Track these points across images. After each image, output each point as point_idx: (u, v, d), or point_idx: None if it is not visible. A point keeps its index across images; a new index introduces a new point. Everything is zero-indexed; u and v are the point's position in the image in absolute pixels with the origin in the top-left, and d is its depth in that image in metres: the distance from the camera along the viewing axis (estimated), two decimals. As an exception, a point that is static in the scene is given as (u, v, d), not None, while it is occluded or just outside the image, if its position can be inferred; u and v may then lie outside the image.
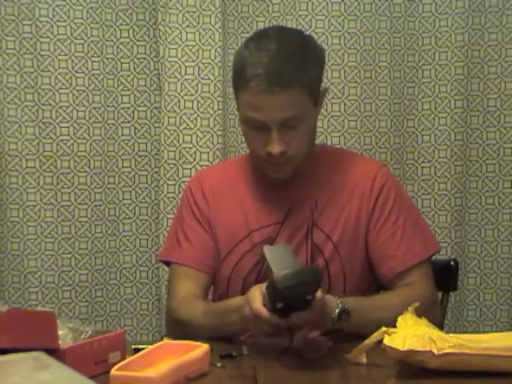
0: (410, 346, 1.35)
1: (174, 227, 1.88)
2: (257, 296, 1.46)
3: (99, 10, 2.48)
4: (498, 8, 2.51)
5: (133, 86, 2.53)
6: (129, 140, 2.54)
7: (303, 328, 1.54)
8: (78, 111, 2.48)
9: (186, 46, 2.46)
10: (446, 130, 2.53)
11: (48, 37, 2.44)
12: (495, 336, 1.43)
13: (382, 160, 2.49)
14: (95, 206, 2.52)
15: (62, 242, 2.50)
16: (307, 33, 1.93)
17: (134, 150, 2.55)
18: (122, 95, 2.52)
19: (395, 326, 1.41)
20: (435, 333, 1.39)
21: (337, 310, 1.53)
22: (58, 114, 2.47)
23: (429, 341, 1.35)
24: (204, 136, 2.48)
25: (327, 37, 2.49)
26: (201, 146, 2.48)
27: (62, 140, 2.48)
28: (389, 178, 1.82)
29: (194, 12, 2.46)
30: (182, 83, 2.46)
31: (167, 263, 1.89)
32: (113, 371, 1.30)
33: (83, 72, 2.48)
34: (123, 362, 1.35)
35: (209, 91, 2.47)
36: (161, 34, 2.46)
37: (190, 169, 2.47)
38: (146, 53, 2.53)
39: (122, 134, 2.54)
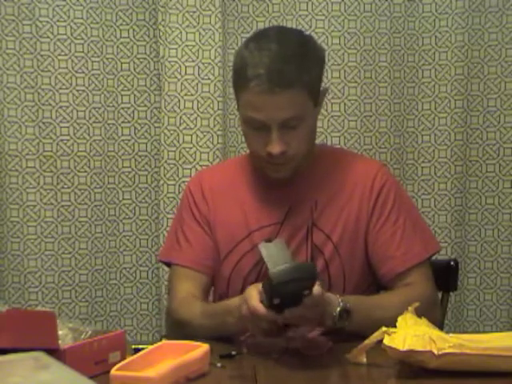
0: (410, 346, 1.35)
1: (174, 227, 1.88)
2: (254, 294, 1.46)
3: (99, 10, 2.48)
4: (498, 8, 2.51)
5: (133, 86, 2.53)
6: (129, 140, 2.54)
7: (300, 325, 1.54)
8: (77, 111, 2.48)
9: (186, 45, 2.46)
10: (446, 130, 2.53)
11: (48, 37, 2.44)
12: (495, 336, 1.43)
13: (382, 160, 2.49)
14: (95, 206, 2.52)
15: (62, 241, 2.50)
16: (307, 33, 1.93)
17: (133, 150, 2.55)
18: (121, 95, 2.53)
19: (395, 326, 1.42)
20: (435, 333, 1.39)
21: (338, 309, 1.53)
22: (58, 114, 2.47)
23: (429, 341, 1.35)
24: (204, 136, 2.48)
25: (327, 37, 2.49)
26: (201, 146, 2.48)
27: (61, 140, 2.48)
28: (389, 178, 1.82)
29: (194, 12, 2.46)
30: (181, 83, 2.46)
31: (167, 264, 1.89)
32: (113, 371, 1.30)
33: (83, 72, 2.48)
34: (123, 362, 1.35)
35: (209, 91, 2.47)
36: (161, 33, 2.46)
37: (190, 169, 2.47)
38: (145, 53, 2.53)
39: (122, 134, 2.54)
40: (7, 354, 1.21)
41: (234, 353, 1.52)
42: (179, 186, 2.46)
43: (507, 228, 2.57)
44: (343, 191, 1.78)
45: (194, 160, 2.48)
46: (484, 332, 2.48)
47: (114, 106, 2.52)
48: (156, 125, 2.53)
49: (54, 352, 1.31)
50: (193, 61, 2.47)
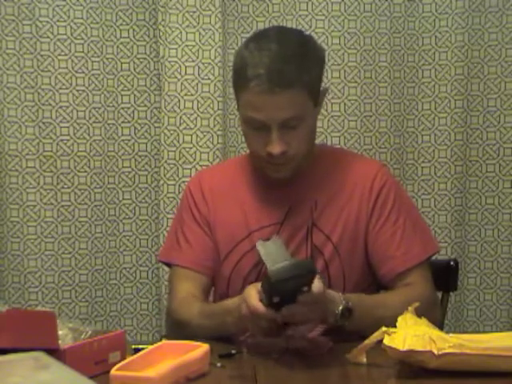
0: (410, 346, 1.35)
1: (174, 228, 1.88)
2: (253, 294, 1.47)
3: (99, 10, 2.48)
4: (497, 8, 2.51)
5: (133, 86, 2.53)
6: (129, 140, 2.54)
7: (300, 324, 1.53)
8: (77, 111, 2.48)
9: (186, 45, 2.46)
10: (446, 130, 2.53)
11: (48, 37, 2.44)
12: (495, 336, 1.43)
13: (382, 160, 2.49)
14: (95, 205, 2.52)
15: (62, 241, 2.50)
16: (307, 33, 1.93)
17: (133, 150, 2.55)
18: (121, 95, 2.53)
19: (395, 326, 1.42)
20: (435, 333, 1.39)
21: (340, 307, 1.53)
22: (58, 113, 2.47)
23: (429, 341, 1.35)
24: (204, 136, 2.48)
25: (327, 37, 2.49)
26: (201, 146, 2.48)
27: (61, 140, 2.48)
28: (389, 178, 1.82)
29: (194, 12, 2.46)
30: (181, 83, 2.46)
31: (167, 264, 1.89)
32: (113, 371, 1.30)
33: (83, 72, 2.48)
34: (123, 362, 1.35)
35: (209, 91, 2.47)
36: (161, 33, 2.46)
37: (190, 169, 2.47)
38: (145, 53, 2.53)
39: (122, 134, 2.54)
40: (7, 354, 1.21)
41: (233, 351, 1.52)
42: (179, 186, 2.46)
43: (507, 228, 2.57)
44: (343, 191, 1.78)
45: (194, 160, 2.48)
46: (484, 332, 2.48)
47: (114, 106, 2.52)
48: (156, 125, 2.53)
49: (54, 352, 1.31)
50: (193, 61, 2.47)
